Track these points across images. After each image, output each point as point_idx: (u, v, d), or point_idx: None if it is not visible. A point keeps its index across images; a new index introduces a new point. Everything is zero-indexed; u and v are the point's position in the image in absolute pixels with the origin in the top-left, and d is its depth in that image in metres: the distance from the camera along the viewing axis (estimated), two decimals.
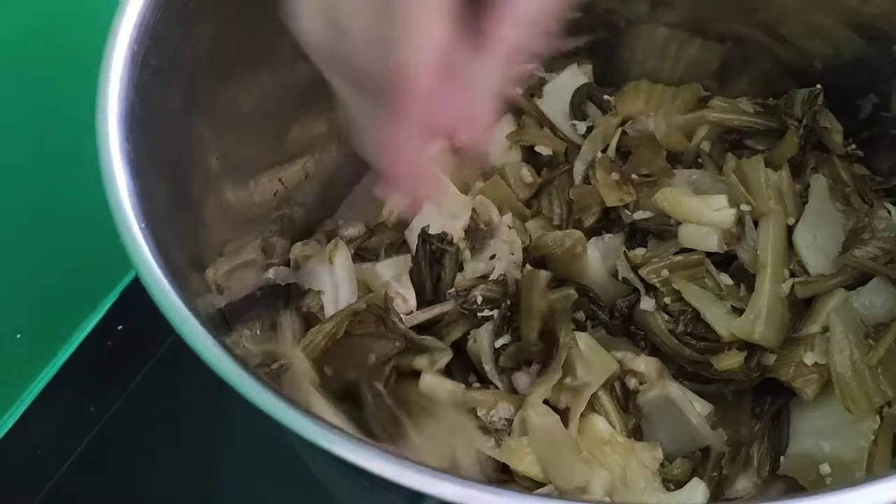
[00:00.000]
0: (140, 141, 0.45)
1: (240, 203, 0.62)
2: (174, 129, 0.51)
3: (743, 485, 0.64)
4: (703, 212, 0.66)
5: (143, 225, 0.41)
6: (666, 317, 0.65)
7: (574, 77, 0.79)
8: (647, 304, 0.65)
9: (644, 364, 0.65)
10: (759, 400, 0.67)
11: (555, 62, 0.79)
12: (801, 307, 0.66)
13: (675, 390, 0.63)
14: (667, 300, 0.65)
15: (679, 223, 0.67)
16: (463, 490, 0.34)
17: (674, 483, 0.63)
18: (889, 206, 0.68)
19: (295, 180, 0.71)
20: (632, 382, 0.65)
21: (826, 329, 0.63)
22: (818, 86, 0.70)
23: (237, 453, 0.79)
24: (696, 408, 0.64)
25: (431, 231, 0.68)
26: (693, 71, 0.77)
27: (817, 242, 0.67)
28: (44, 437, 0.80)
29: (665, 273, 0.65)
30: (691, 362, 0.65)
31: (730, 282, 0.66)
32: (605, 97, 0.76)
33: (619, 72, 0.79)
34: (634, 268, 0.66)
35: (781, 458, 0.64)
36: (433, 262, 0.68)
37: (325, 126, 0.71)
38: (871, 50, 0.67)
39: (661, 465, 0.62)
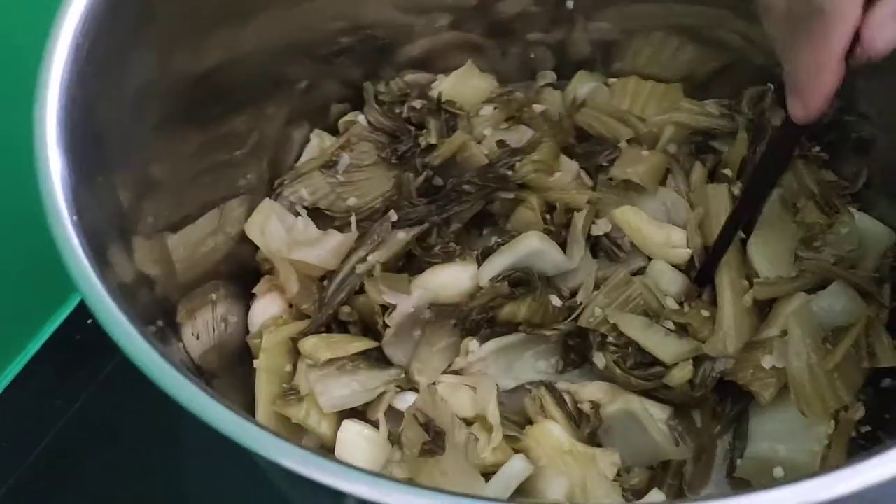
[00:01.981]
0: (79, 135, 0.44)
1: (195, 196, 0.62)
2: (123, 123, 0.51)
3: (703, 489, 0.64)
4: (659, 245, 0.68)
5: (75, 218, 0.40)
6: (613, 350, 0.65)
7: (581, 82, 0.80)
8: (598, 360, 0.66)
9: (594, 390, 0.65)
10: (721, 401, 0.67)
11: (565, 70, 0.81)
12: (763, 307, 0.66)
13: (637, 405, 0.63)
14: (610, 338, 0.65)
15: (639, 250, 0.69)
16: (377, 490, 0.34)
17: (632, 493, 0.63)
18: (854, 211, 0.68)
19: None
20: (585, 406, 0.65)
21: (785, 333, 0.63)
22: (769, 84, 0.70)
23: (205, 448, 0.79)
24: (655, 413, 0.64)
25: None
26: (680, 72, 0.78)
27: (770, 252, 0.67)
28: (9, 430, 0.80)
29: (599, 312, 0.65)
30: (641, 391, 0.65)
31: (675, 305, 0.67)
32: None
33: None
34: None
35: (738, 462, 0.63)
36: None
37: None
38: None
39: (619, 474, 0.62)
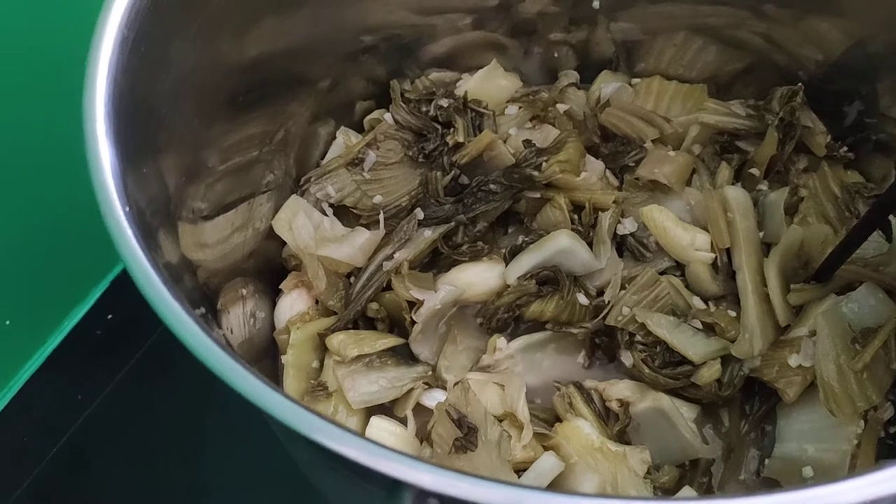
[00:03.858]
0: (126, 126, 0.45)
1: (225, 190, 0.62)
2: (163, 115, 0.51)
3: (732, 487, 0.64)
4: (684, 247, 0.68)
5: (127, 209, 0.41)
6: (641, 349, 0.65)
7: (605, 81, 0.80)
8: (626, 358, 0.66)
9: (623, 388, 0.65)
10: (748, 399, 0.67)
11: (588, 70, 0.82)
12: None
13: (667, 402, 0.63)
14: (638, 336, 0.65)
15: (672, 255, 0.70)
16: (440, 478, 0.34)
17: (662, 491, 0.63)
18: None
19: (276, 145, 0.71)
20: (613, 404, 0.65)
21: (814, 333, 0.63)
22: (799, 84, 0.70)
23: (225, 443, 0.79)
24: (684, 412, 0.64)
25: None
26: (703, 73, 0.78)
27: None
28: (31, 425, 0.80)
29: (627, 311, 0.66)
30: (669, 389, 0.65)
31: (702, 305, 0.67)
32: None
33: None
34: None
35: (766, 461, 0.64)
36: None
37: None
38: (857, 52, 0.67)
39: (649, 471, 0.62)
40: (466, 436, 0.60)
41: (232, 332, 0.59)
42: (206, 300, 0.54)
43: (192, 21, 0.53)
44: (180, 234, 0.51)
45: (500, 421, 0.63)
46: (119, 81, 0.46)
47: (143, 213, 0.43)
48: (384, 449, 0.35)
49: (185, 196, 0.54)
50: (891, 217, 0.66)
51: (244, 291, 0.65)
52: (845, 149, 0.71)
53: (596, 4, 0.76)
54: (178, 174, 0.52)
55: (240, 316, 0.63)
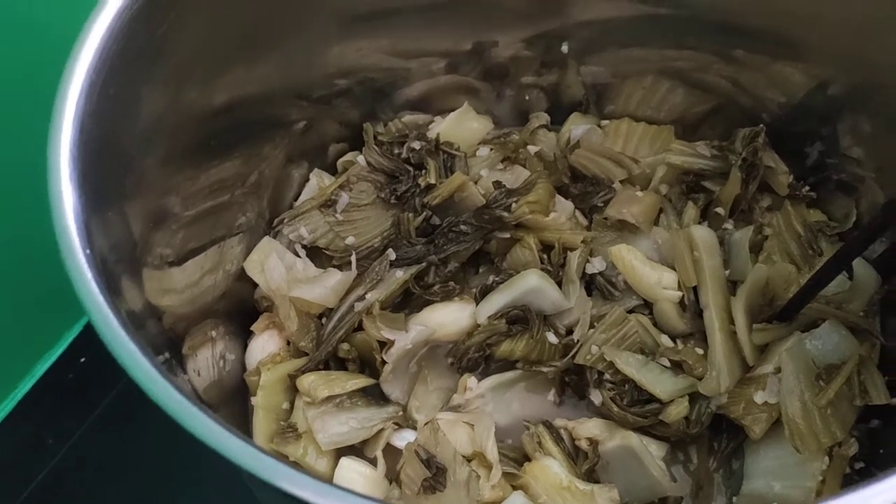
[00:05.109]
0: (91, 171, 0.45)
1: (195, 235, 0.63)
2: (131, 159, 0.52)
3: None
4: (652, 285, 0.69)
5: (88, 252, 0.41)
6: (610, 387, 0.66)
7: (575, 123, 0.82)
8: (595, 396, 0.67)
9: (592, 426, 0.66)
10: (716, 437, 0.68)
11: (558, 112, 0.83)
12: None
13: (635, 441, 0.64)
14: (607, 375, 0.66)
15: (640, 293, 0.70)
16: None
17: None
18: None
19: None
20: (583, 443, 0.66)
21: (779, 370, 0.64)
22: (761, 125, 0.72)
23: (196, 487, 0.79)
24: (652, 449, 0.65)
25: None
26: (671, 115, 0.80)
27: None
28: (2, 467, 0.79)
29: (596, 350, 0.66)
30: (638, 427, 0.65)
31: (670, 343, 0.68)
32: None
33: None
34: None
35: (734, 499, 0.64)
36: None
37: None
38: (818, 94, 0.69)
39: None
40: (435, 476, 0.60)
41: (199, 375, 0.59)
42: (170, 345, 0.55)
43: (163, 67, 0.54)
44: (145, 279, 0.51)
45: (470, 461, 0.63)
46: (86, 125, 0.47)
47: (106, 258, 0.43)
48: (342, 491, 0.35)
49: (152, 242, 0.54)
50: None
51: (213, 333, 0.65)
52: (807, 188, 0.73)
53: (565, 49, 0.78)
54: (144, 220, 0.53)
55: (208, 358, 0.63)
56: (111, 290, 0.41)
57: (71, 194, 0.43)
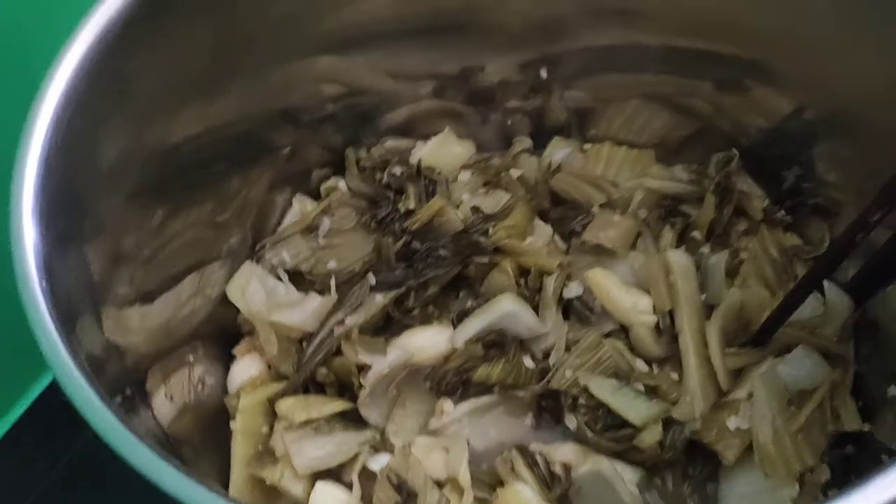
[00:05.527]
0: (56, 208, 0.46)
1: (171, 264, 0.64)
2: (98, 196, 0.53)
3: None
4: (627, 310, 0.69)
5: (44, 283, 0.42)
6: (584, 412, 0.66)
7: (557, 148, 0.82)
8: (570, 421, 0.67)
9: (567, 451, 0.66)
10: (691, 462, 0.68)
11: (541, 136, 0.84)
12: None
13: (606, 465, 0.64)
14: (581, 399, 0.66)
15: (616, 318, 0.71)
16: None
17: None
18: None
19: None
20: (557, 468, 0.66)
21: (752, 395, 0.64)
22: (733, 150, 0.72)
23: None
24: (626, 475, 0.65)
25: None
26: (652, 138, 0.80)
27: None
28: None
29: (570, 374, 0.67)
30: (612, 452, 0.65)
31: (645, 368, 0.68)
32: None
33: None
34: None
35: None
36: None
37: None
38: (795, 119, 0.69)
39: None
40: (406, 501, 0.60)
41: (172, 400, 0.60)
42: (133, 381, 0.55)
43: (128, 101, 0.55)
44: (106, 316, 0.52)
45: (443, 486, 0.64)
46: (51, 160, 0.48)
47: (65, 293, 0.44)
48: None
49: (119, 275, 0.55)
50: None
51: (192, 357, 0.66)
52: (783, 212, 0.73)
53: (543, 74, 0.79)
54: (110, 256, 0.53)
55: (184, 382, 0.64)
56: (68, 327, 0.42)
57: (32, 231, 0.44)
